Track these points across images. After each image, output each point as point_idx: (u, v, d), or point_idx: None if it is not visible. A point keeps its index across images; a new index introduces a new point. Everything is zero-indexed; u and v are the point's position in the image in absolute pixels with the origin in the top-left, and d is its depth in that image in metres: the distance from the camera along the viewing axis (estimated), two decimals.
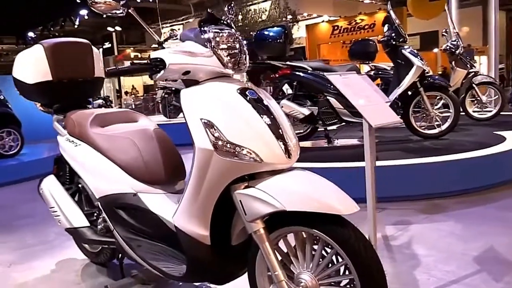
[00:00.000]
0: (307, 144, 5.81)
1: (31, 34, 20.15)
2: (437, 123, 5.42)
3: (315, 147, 5.70)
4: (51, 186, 2.82)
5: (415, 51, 5.44)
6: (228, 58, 1.93)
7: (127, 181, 2.38)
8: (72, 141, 2.64)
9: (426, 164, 4.15)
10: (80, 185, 2.77)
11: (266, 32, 5.52)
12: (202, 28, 1.94)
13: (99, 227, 2.59)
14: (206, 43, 1.91)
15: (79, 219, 2.67)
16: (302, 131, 5.88)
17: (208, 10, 2.07)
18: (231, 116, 1.81)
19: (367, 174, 2.15)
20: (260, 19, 19.43)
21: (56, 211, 2.75)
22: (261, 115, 1.84)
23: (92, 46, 2.98)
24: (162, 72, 1.91)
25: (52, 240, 3.67)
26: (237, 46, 1.96)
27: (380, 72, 5.82)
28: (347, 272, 1.79)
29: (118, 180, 2.40)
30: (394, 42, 5.41)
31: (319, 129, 5.82)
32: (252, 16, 19.80)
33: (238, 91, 1.87)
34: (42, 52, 2.76)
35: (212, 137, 1.78)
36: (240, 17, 18.86)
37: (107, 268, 2.99)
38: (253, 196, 1.77)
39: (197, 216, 1.94)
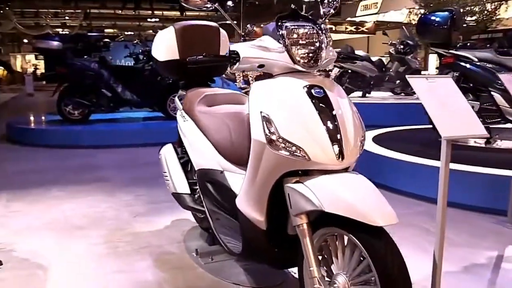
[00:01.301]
0: (458, 140, 5.38)
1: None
2: None
3: (468, 146, 5.23)
4: (167, 153, 3.20)
5: None
6: (302, 54, 1.97)
7: (217, 158, 2.60)
8: (183, 116, 2.95)
9: None
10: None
11: (431, 17, 5.18)
12: (279, 24, 2.01)
13: (195, 196, 2.89)
14: (279, 39, 1.99)
15: (182, 186, 3.00)
16: None
17: (292, 5, 2.12)
18: (289, 113, 1.89)
19: (440, 188, 2.01)
20: None
21: (166, 176, 3.13)
22: (321, 115, 1.88)
23: (221, 29, 3.22)
24: (237, 64, 2.05)
25: None
26: (316, 42, 1.99)
27: None
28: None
29: (210, 157, 2.64)
30: None
31: None
32: None
33: (305, 88, 1.93)
34: (173, 33, 3.09)
35: (267, 131, 1.89)
36: None
37: (209, 233, 3.30)
38: (299, 192, 1.86)
39: (254, 202, 2.09)
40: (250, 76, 14.77)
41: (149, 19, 36.08)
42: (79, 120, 7.81)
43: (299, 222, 1.91)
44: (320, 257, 2.00)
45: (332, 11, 2.34)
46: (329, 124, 1.87)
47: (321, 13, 2.21)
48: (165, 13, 33.99)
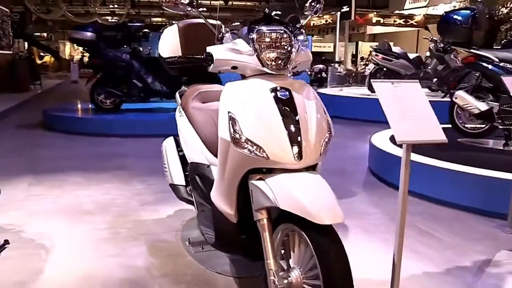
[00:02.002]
0: (477, 141, 5.35)
1: None
2: None
3: (482, 147, 5.19)
4: (168, 145, 3.40)
5: None
6: (272, 57, 2.10)
7: (205, 153, 2.77)
8: (180, 111, 3.13)
9: None
10: None
11: (453, 15, 5.15)
12: (250, 28, 2.15)
13: (188, 188, 3.07)
14: (250, 42, 2.12)
15: (178, 178, 3.19)
16: (478, 126, 5.37)
17: (266, 10, 2.25)
18: (253, 114, 2.02)
19: (400, 193, 2.10)
20: None
21: (165, 167, 3.32)
22: (284, 116, 2.00)
23: (224, 27, 3.37)
24: (212, 65, 2.20)
25: None
26: (287, 46, 2.11)
27: None
28: None
29: (199, 151, 2.81)
30: None
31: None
32: None
33: (271, 91, 2.05)
34: (176, 31, 3.26)
35: (232, 130, 2.04)
36: None
37: None
38: (259, 188, 2.01)
39: (224, 196, 2.25)
40: None
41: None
42: (111, 109, 8.16)
43: (260, 217, 2.05)
44: (283, 251, 2.14)
45: (312, 14, 2.47)
46: (291, 126, 1.99)
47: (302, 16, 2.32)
48: (213, 2, 34.30)
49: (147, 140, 6.92)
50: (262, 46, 2.10)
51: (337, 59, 21.50)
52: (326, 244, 1.84)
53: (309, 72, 15.24)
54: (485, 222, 3.70)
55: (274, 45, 2.10)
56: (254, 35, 2.11)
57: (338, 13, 21.57)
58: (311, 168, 2.10)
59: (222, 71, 2.28)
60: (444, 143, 2.01)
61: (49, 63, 27.16)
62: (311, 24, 29.27)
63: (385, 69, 10.38)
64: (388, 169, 4.83)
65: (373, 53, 10.44)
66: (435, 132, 2.03)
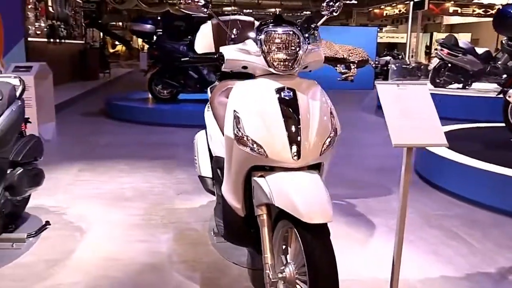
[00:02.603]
0: None
1: None
2: None
3: None
4: (199, 138, 3.57)
5: None
6: (279, 58, 2.18)
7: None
8: (208, 106, 3.27)
9: None
10: None
11: (510, 9, 4.94)
12: (259, 29, 2.24)
13: (214, 180, 3.23)
14: (257, 43, 2.22)
15: (206, 170, 3.34)
16: None
17: (277, 12, 2.33)
18: (256, 113, 2.13)
19: (400, 196, 2.12)
20: None
21: (196, 159, 3.49)
22: (285, 116, 2.09)
23: (256, 23, 3.47)
24: (223, 65, 2.32)
25: None
26: (294, 47, 2.19)
27: None
28: None
29: (220, 145, 2.94)
30: None
31: None
32: None
33: (275, 91, 2.14)
34: (210, 28, 3.40)
35: (236, 128, 2.15)
36: None
37: None
38: (260, 185, 2.12)
39: (232, 190, 2.37)
40: (352, 63, 14.74)
41: None
42: (168, 99, 8.49)
43: (260, 212, 2.16)
44: (284, 247, 2.23)
45: (328, 14, 2.52)
46: (291, 126, 2.07)
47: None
48: None
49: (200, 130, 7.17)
50: (270, 47, 2.18)
51: (407, 51, 20.94)
52: (313, 242, 1.91)
53: (373, 65, 14.94)
54: None
55: (281, 46, 2.18)
56: (261, 36, 2.20)
57: (411, 2, 20.94)
58: (314, 167, 2.17)
59: (235, 70, 2.39)
60: (444, 146, 2.00)
61: (121, 52, 28.40)
62: (384, 14, 28.61)
63: (450, 65, 10.04)
64: (431, 169, 4.76)
65: (438, 47, 10.12)
66: (436, 136, 2.03)
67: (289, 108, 2.10)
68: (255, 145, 2.07)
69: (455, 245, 3.27)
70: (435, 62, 10.40)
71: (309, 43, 2.30)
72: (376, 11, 29.10)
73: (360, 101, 12.04)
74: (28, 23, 10.70)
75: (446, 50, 9.83)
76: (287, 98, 2.13)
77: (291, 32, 2.20)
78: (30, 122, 3.69)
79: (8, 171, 3.02)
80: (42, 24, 11.85)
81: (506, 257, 3.11)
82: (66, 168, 4.97)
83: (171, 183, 4.54)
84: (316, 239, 1.91)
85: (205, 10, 2.47)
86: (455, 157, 4.39)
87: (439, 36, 29.22)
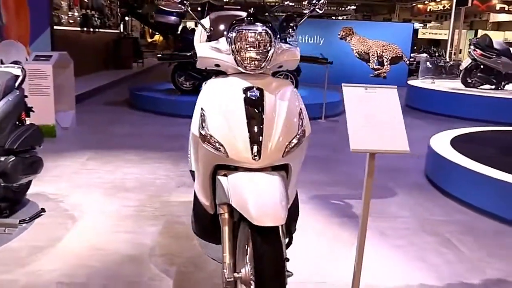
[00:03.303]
0: None
1: None
2: None
3: None
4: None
5: None
6: (249, 57, 2.20)
7: None
8: None
9: None
10: None
11: None
12: (231, 27, 2.26)
13: None
14: (228, 41, 2.24)
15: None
16: None
17: (250, 10, 2.34)
18: (220, 112, 2.15)
19: (363, 202, 2.11)
20: None
21: (189, 154, 3.54)
22: (249, 116, 2.10)
23: None
24: (197, 62, 2.36)
25: None
26: (265, 45, 2.20)
27: None
28: None
29: None
30: None
31: None
32: None
33: (242, 90, 2.16)
34: (208, 22, 3.43)
35: (201, 126, 2.18)
36: None
37: None
38: (221, 184, 2.13)
39: (201, 188, 2.41)
40: (385, 57, 14.53)
41: None
42: (190, 91, 8.59)
43: (221, 211, 2.17)
44: (246, 247, 2.25)
45: (309, 13, 2.52)
46: (254, 126, 2.08)
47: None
48: None
49: None
50: (239, 46, 2.19)
51: (448, 48, 20.41)
52: (262, 245, 1.91)
53: (408, 61, 14.69)
54: None
55: (251, 45, 2.19)
56: (232, 34, 2.21)
57: None
58: (280, 169, 2.17)
59: (208, 67, 2.42)
60: (406, 152, 1.98)
61: (158, 41, 28.81)
62: (427, 10, 27.98)
63: (482, 66, 9.78)
64: (439, 174, 4.66)
65: (471, 47, 9.84)
66: (399, 142, 2.01)
67: (255, 107, 2.11)
68: (217, 144, 2.09)
69: (445, 253, 3.21)
70: (466, 62, 10.14)
71: (286, 42, 2.30)
72: (420, 6, 28.51)
73: None
74: (61, 12, 11.02)
75: (479, 51, 9.57)
76: (253, 97, 2.13)
77: (263, 31, 2.20)
78: (33, 111, 3.83)
79: (2, 158, 3.15)
80: (76, 14, 12.17)
81: (494, 267, 3.03)
82: (76, 156, 5.13)
83: (175, 175, 4.62)
84: (265, 244, 1.91)
85: (182, 7, 2.51)
86: (462, 162, 4.28)
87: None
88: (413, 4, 28.67)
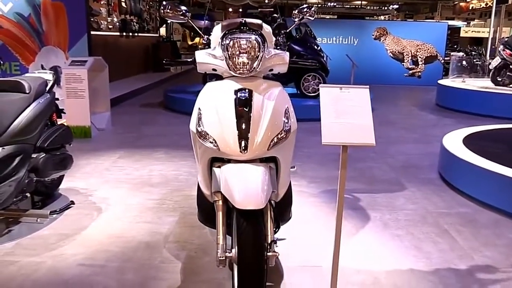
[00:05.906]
0: None
1: None
2: None
3: None
4: None
5: None
6: (241, 62, 2.48)
7: None
8: None
9: None
10: None
11: None
12: (224, 35, 2.55)
13: None
14: (221, 48, 2.53)
15: None
16: None
17: (243, 20, 2.62)
18: (213, 110, 2.44)
19: (338, 192, 2.34)
20: None
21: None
22: (239, 114, 2.39)
23: (264, 25, 3.73)
24: (197, 67, 2.66)
25: None
26: (254, 52, 2.48)
27: None
28: None
29: None
30: None
31: None
32: None
33: (234, 91, 2.45)
34: (220, 30, 3.71)
35: (197, 124, 2.48)
36: None
37: None
38: (215, 175, 2.43)
39: (201, 178, 2.70)
40: (420, 57, 14.46)
41: None
42: None
43: (216, 198, 2.46)
44: None
45: (298, 22, 2.78)
46: (242, 123, 2.36)
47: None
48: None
49: None
50: (231, 52, 2.48)
51: (488, 46, 20.00)
52: (243, 225, 2.19)
53: (442, 61, 14.60)
54: None
55: (242, 51, 2.47)
56: (225, 42, 2.50)
57: None
58: (270, 161, 2.45)
59: (207, 72, 2.71)
60: (371, 145, 2.21)
61: (198, 44, 29.49)
62: (470, 7, 27.42)
63: (511, 65, 9.74)
64: (449, 170, 4.79)
65: (501, 47, 9.82)
66: (366, 136, 2.24)
67: (244, 107, 2.39)
68: (211, 139, 2.39)
69: (440, 242, 3.37)
70: (496, 61, 10.09)
71: (277, 48, 2.56)
72: (462, 4, 28.01)
73: (421, 98, 11.88)
74: (101, 18, 11.60)
75: (508, 51, 9.55)
76: (242, 98, 2.41)
77: (252, 39, 2.48)
78: (64, 113, 4.23)
79: (34, 156, 3.53)
80: (115, 19, 12.76)
81: (483, 254, 3.19)
82: (109, 154, 5.54)
83: (196, 172, 4.91)
84: (247, 225, 2.19)
85: (184, 18, 2.82)
86: (469, 158, 4.41)
87: None
88: (455, 2, 28.17)
